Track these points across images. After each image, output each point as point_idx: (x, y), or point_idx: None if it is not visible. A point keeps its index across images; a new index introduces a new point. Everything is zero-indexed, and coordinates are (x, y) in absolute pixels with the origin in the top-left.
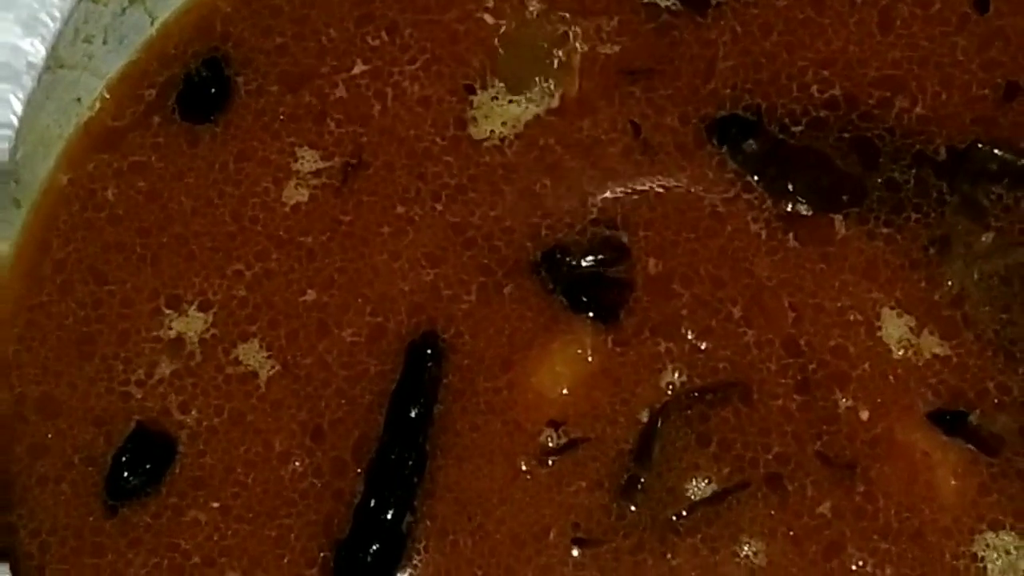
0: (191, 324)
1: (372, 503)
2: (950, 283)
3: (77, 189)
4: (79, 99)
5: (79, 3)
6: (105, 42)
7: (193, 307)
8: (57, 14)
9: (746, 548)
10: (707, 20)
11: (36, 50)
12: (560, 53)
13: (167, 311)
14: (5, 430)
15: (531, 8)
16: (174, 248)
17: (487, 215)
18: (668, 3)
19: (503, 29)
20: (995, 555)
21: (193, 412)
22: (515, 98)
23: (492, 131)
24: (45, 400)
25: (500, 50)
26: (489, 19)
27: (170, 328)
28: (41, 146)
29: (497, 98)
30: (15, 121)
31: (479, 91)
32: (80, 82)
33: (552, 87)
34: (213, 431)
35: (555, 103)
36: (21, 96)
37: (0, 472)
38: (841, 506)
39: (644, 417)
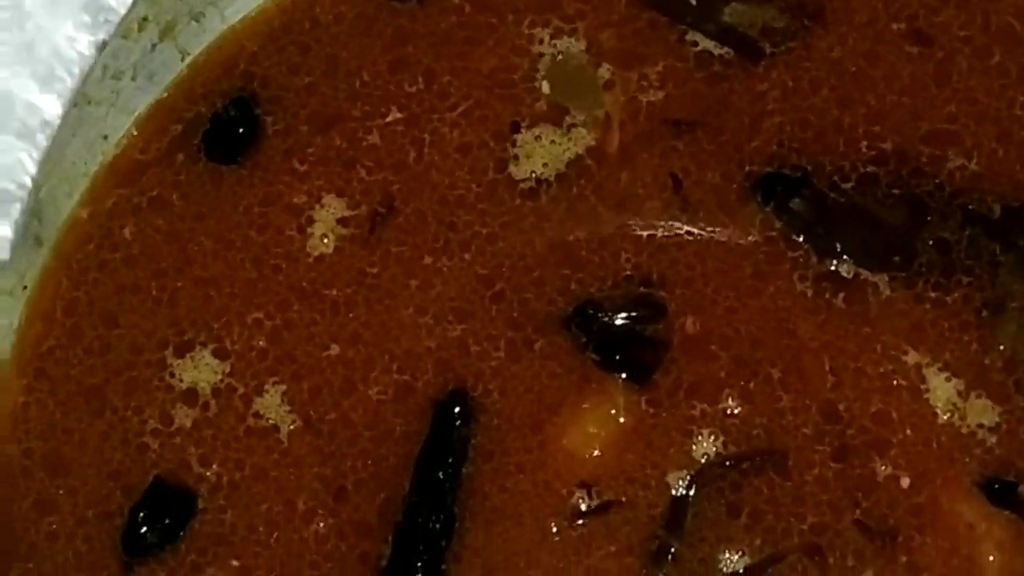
0: (203, 374)
1: (398, 567)
2: (1002, 347)
3: (95, 227)
4: (106, 136)
5: (100, 54)
6: (134, 79)
7: (208, 355)
8: (76, 70)
9: None
10: (759, 70)
11: (52, 108)
12: (602, 98)
13: (178, 359)
14: (7, 486)
15: (573, 49)
16: (190, 291)
17: (516, 266)
18: (722, 51)
19: (545, 70)
20: None
21: (214, 466)
22: (557, 139)
23: (532, 172)
24: (54, 456)
25: (545, 89)
26: (527, 64)
27: (180, 379)
28: (66, 183)
29: (540, 138)
30: (29, 183)
31: (524, 130)
32: (107, 119)
33: (592, 126)
34: (235, 486)
35: (594, 142)
36: (35, 156)
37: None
38: None
39: (675, 481)
